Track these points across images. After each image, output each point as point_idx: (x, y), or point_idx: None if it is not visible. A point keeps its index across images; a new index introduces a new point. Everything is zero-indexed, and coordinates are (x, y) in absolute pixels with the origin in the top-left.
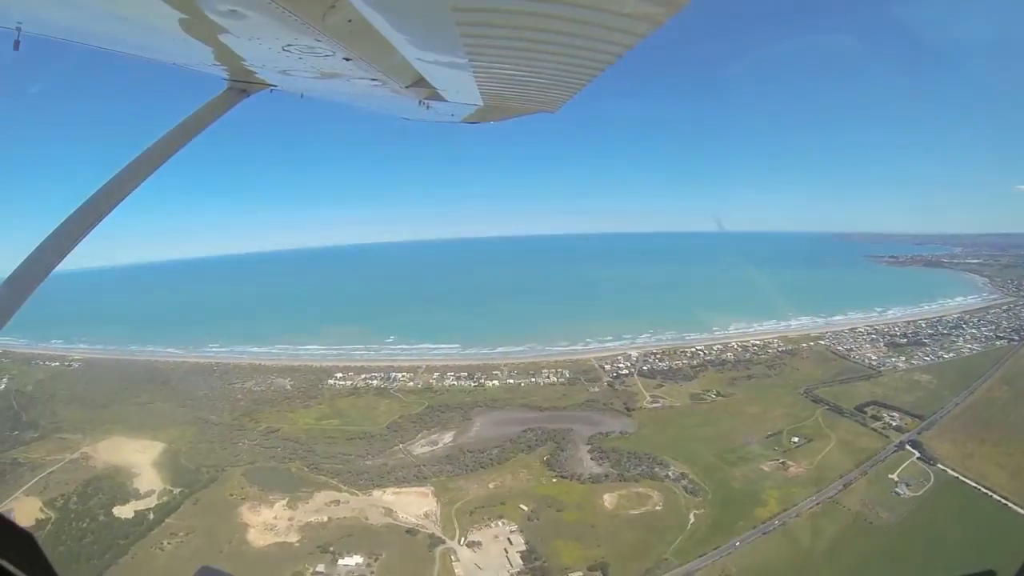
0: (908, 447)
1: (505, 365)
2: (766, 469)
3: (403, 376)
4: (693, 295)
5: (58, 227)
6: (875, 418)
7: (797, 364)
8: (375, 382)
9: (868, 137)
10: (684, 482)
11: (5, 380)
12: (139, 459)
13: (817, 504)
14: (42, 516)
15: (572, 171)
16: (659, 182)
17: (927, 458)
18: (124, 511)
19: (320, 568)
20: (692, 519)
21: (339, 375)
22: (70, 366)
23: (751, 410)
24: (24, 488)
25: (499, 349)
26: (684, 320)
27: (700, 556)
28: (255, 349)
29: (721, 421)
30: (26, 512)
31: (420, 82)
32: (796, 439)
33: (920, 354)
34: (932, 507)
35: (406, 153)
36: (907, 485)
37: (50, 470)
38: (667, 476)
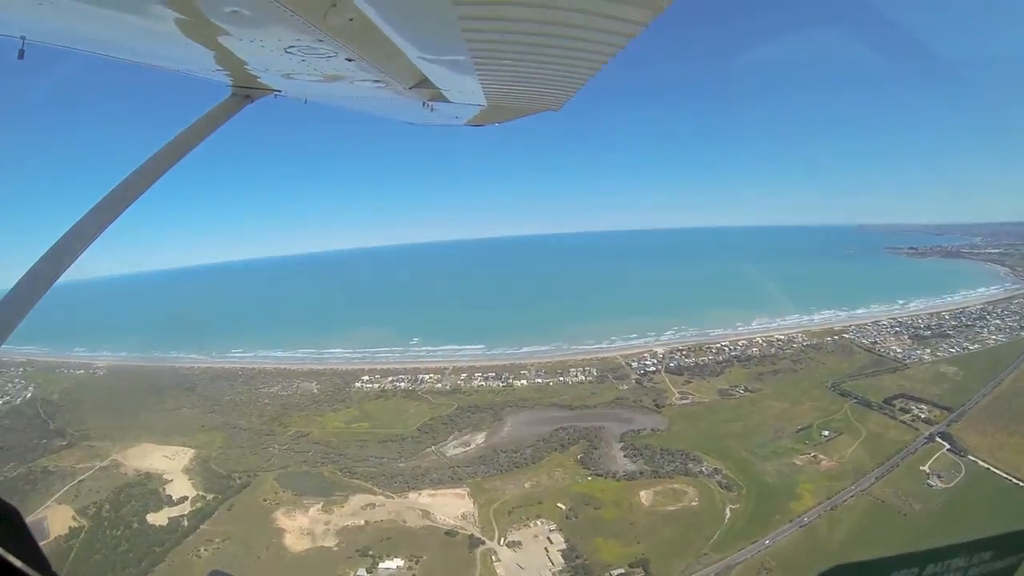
0: (938, 439)
1: (532, 365)
2: (798, 463)
3: (430, 378)
4: (714, 291)
5: (63, 236)
6: (904, 411)
7: (822, 358)
8: (403, 384)
9: (885, 128)
10: (718, 477)
11: (31, 389)
12: (169, 465)
13: (851, 497)
14: (75, 524)
15: (584, 169)
16: (676, 178)
17: (957, 450)
18: (158, 518)
19: (362, 572)
20: (728, 514)
21: (365, 378)
22: (95, 374)
23: (779, 405)
24: (56, 496)
25: (525, 349)
26: (707, 316)
27: (740, 550)
28: (279, 354)
29: (750, 416)
30: (59, 520)
31: (423, 83)
32: (826, 433)
33: (945, 346)
34: (965, 498)
35: (415, 157)
36: (939, 477)
37: (80, 478)
38: (701, 472)
